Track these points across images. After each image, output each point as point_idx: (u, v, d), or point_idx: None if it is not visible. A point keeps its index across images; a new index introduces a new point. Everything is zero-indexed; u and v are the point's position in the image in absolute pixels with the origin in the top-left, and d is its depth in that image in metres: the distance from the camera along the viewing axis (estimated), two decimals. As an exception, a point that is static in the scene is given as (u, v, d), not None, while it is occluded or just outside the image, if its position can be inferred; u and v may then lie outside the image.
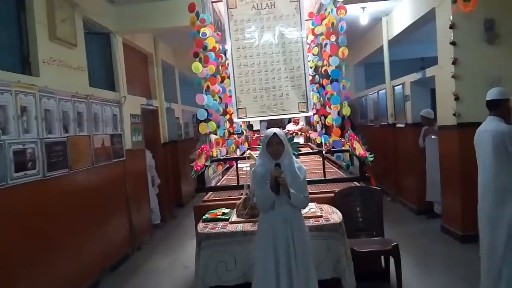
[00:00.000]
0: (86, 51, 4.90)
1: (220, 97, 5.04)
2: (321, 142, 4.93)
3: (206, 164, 4.18)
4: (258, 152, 4.08)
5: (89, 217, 4.52)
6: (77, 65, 4.54)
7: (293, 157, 2.92)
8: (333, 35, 4.54)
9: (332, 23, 4.51)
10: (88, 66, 4.89)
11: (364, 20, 6.95)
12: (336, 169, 5.26)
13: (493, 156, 3.33)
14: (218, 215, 3.60)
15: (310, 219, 3.30)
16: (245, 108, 4.90)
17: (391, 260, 3.79)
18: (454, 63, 4.98)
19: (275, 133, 2.83)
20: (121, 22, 5.67)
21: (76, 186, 4.31)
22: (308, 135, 8.43)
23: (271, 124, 8.96)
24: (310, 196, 3.34)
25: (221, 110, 4.92)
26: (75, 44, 4.48)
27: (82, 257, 4.30)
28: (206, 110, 4.47)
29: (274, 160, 2.81)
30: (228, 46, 4.80)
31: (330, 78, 4.67)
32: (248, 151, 3.89)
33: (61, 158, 4.01)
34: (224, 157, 4.79)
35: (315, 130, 5.83)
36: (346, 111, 4.38)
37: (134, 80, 6.49)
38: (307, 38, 5.04)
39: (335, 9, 4.40)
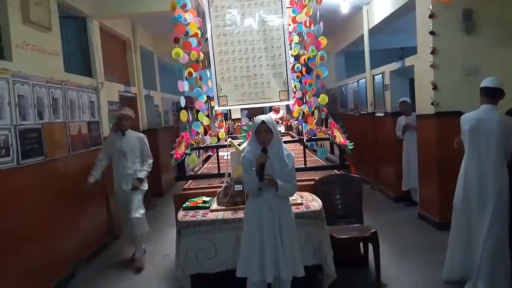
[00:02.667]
0: (61, 35, 4.75)
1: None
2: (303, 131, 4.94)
3: (186, 152, 4.14)
4: (240, 140, 4.07)
5: (66, 206, 4.42)
6: (52, 50, 4.40)
7: (283, 144, 2.92)
8: (312, 24, 4.53)
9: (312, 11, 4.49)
10: (64, 51, 4.74)
11: (345, 9, 6.92)
12: (317, 157, 5.28)
13: (497, 147, 3.31)
14: (199, 203, 3.57)
15: (291, 207, 3.30)
16: (226, 96, 4.85)
17: (370, 246, 3.85)
18: (433, 52, 5.03)
19: (263, 121, 2.82)
20: (98, 6, 5.51)
21: (52, 174, 4.21)
22: (289, 123, 8.45)
23: (252, 112, 8.93)
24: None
25: (205, 97, 4.87)
26: (50, 28, 4.33)
27: (58, 247, 4.22)
28: (187, 97, 4.43)
29: (262, 147, 2.81)
30: (208, 33, 4.72)
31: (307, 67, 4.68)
32: (229, 139, 3.86)
33: (36, 145, 3.90)
34: (205, 145, 4.74)
35: (297, 119, 5.83)
36: (322, 100, 4.39)
37: (111, 66, 6.35)
38: (288, 26, 5.01)
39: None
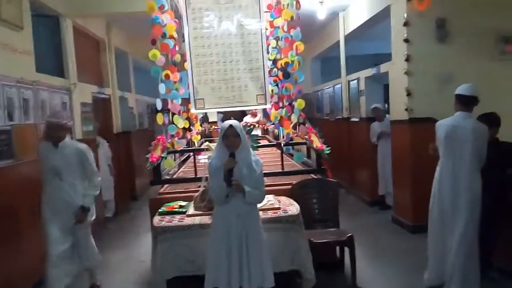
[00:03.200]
0: (33, 34, 4.58)
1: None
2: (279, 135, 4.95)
3: (162, 155, 4.08)
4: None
5: (36, 210, 4.26)
6: (23, 49, 4.25)
7: (251, 150, 2.90)
8: (292, 29, 4.56)
9: (292, 17, 4.52)
10: (35, 50, 4.58)
11: (321, 15, 6.98)
12: (294, 162, 5.30)
13: (471, 154, 3.35)
14: (175, 208, 3.51)
15: (268, 211, 3.30)
16: (203, 99, 4.81)
17: (346, 250, 3.87)
18: (407, 60, 5.13)
19: (231, 125, 2.78)
20: (71, 5, 5.37)
21: (22, 178, 4.06)
22: (265, 127, 8.45)
23: (226, 116, 8.86)
24: (268, 188, 3.34)
25: (180, 100, 4.81)
26: (21, 27, 4.19)
27: (29, 252, 4.06)
28: (163, 100, 4.36)
29: (230, 152, 2.78)
30: (185, 35, 4.68)
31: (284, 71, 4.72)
32: (207, 143, 3.83)
33: (5, 147, 3.77)
34: (181, 148, 4.68)
35: (273, 123, 5.84)
36: (299, 104, 4.42)
37: (85, 67, 6.19)
38: (266, 30, 5.02)
39: (294, 3, 4.41)
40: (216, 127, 7.34)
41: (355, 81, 7.27)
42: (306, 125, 4.43)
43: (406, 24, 5.09)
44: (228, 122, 2.82)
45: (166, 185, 4.36)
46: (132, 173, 8.20)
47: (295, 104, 4.42)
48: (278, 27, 4.88)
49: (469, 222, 3.33)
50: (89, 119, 5.96)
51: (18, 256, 3.89)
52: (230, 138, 2.78)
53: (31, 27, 4.50)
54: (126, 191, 7.69)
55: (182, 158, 6.11)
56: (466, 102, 3.46)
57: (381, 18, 6.17)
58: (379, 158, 6.50)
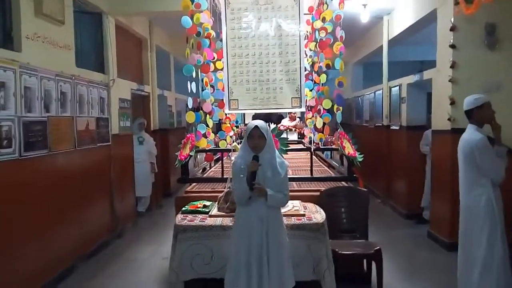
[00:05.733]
0: (75, 30, 4.73)
1: (212, 86, 4.91)
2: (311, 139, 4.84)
3: (190, 154, 4.07)
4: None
5: (67, 201, 4.38)
6: (64, 43, 4.38)
7: (276, 152, 2.80)
8: (322, 30, 4.46)
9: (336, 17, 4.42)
10: (76, 45, 4.72)
11: (365, 18, 6.79)
12: (326, 168, 5.16)
13: (464, 166, 3.27)
14: (199, 207, 3.49)
15: (292, 217, 3.20)
16: (237, 100, 4.77)
17: (374, 264, 3.70)
18: (452, 66, 4.86)
19: (256, 126, 2.70)
20: (114, 3, 5.50)
21: (55, 168, 4.17)
22: (302, 131, 8.33)
23: (260, 117, 8.76)
24: (295, 194, 3.24)
25: (212, 99, 4.80)
26: (63, 21, 4.31)
27: (58, 242, 4.17)
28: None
29: (254, 154, 2.70)
30: (223, 35, 4.67)
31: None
32: (234, 143, 3.78)
33: (40, 138, 3.87)
34: (210, 148, 4.66)
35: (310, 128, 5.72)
36: (326, 104, 4.33)
37: (125, 63, 6.33)
38: (306, 33, 4.92)
39: (332, 3, 4.31)
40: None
41: (397, 88, 7.00)
42: (338, 130, 4.28)
43: (452, 29, 4.82)
44: (254, 123, 2.75)
45: (194, 184, 4.35)
46: (167, 170, 8.32)
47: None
48: (318, 29, 4.77)
49: (482, 245, 3.13)
50: (127, 115, 6.08)
51: (50, 245, 4.00)
52: (255, 139, 2.70)
53: (72, 23, 4.63)
54: (160, 187, 7.81)
55: (216, 157, 6.10)
56: (467, 116, 3.38)
57: (427, 22, 5.90)
58: (428, 168, 6.12)
